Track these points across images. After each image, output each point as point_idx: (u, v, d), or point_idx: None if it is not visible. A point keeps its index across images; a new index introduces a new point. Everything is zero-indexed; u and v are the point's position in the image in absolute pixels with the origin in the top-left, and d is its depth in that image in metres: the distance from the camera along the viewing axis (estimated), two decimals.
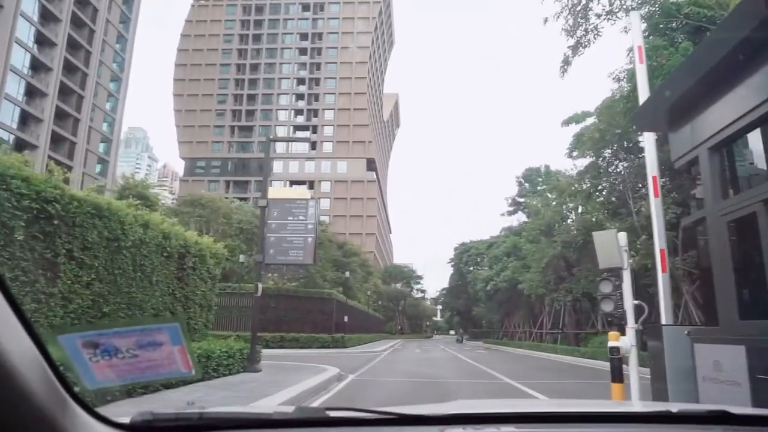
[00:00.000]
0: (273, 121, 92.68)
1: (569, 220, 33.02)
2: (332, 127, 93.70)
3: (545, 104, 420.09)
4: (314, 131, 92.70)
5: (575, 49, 18.39)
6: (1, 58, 44.97)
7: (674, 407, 1.46)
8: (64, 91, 53.51)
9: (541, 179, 47.82)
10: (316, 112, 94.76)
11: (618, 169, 25.00)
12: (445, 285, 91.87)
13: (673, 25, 18.11)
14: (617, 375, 5.59)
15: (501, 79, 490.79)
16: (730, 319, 3.70)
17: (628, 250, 5.79)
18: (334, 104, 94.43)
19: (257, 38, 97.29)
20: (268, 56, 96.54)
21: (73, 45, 54.45)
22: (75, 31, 54.68)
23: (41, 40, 50.78)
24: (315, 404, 5.41)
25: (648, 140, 6.40)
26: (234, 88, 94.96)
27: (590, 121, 26.34)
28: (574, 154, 28.30)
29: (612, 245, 5.68)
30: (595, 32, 18.09)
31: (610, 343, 5.63)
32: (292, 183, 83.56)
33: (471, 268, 64.53)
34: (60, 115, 52.93)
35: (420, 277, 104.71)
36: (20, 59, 48.06)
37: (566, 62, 18.76)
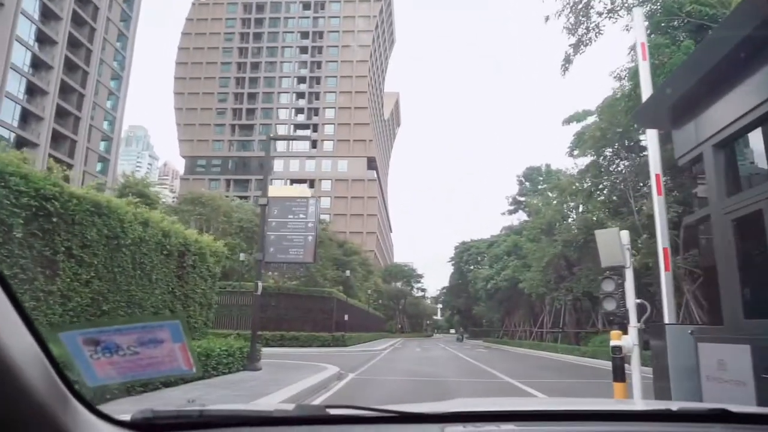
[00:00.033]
0: (274, 119, 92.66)
1: (570, 219, 32.98)
2: (333, 125, 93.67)
3: (546, 103, 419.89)
4: (315, 130, 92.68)
5: (576, 47, 18.33)
6: (1, 56, 44.96)
7: (675, 405, 1.45)
8: (65, 90, 53.50)
9: (541, 178, 47.75)
10: (316, 111, 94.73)
11: (619, 168, 24.97)
12: (446, 284, 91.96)
13: (675, 23, 18.06)
14: (619, 374, 5.56)
15: (501, 79, 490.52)
16: (735, 318, 3.67)
17: (630, 249, 5.76)
18: (334, 103, 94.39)
19: (258, 37, 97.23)
20: (269, 55, 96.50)
21: (73, 43, 54.42)
22: (76, 29, 54.65)
23: (42, 39, 50.76)
24: (315, 403, 5.38)
25: (651, 137, 6.36)
26: (235, 86, 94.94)
27: (591, 119, 26.29)
28: (575, 152, 28.26)
29: (614, 244, 5.64)
30: (597, 30, 18.04)
31: (613, 342, 5.59)
32: (293, 181, 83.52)
33: (471, 267, 64.54)
34: (61, 114, 52.93)
35: (420, 276, 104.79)
36: (21, 57, 48.05)
37: (567, 60, 18.71)
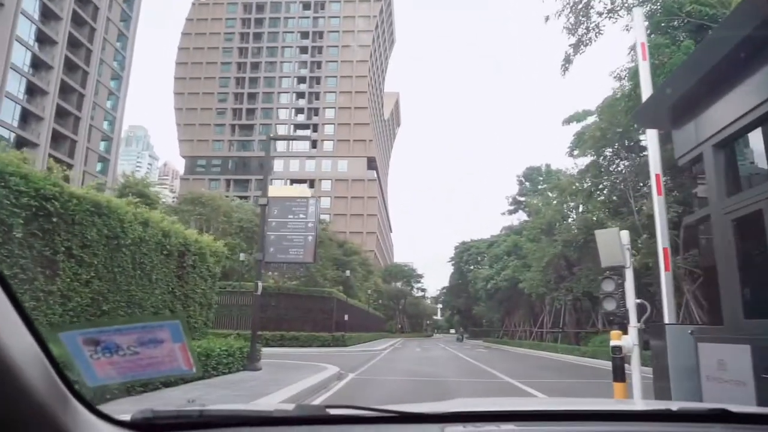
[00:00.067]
0: (274, 119, 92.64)
1: (570, 219, 32.98)
2: (333, 125, 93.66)
3: (546, 103, 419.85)
4: (315, 130, 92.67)
5: (576, 47, 18.33)
6: (2, 56, 44.95)
7: (674, 405, 1.45)
8: (65, 90, 53.49)
9: (541, 178, 47.74)
10: (316, 111, 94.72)
11: (619, 168, 24.96)
12: (446, 284, 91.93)
13: (675, 23, 18.05)
14: (619, 374, 5.56)
15: (501, 79, 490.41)
16: (735, 318, 3.67)
17: (630, 249, 5.76)
18: (334, 103, 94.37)
19: (258, 37, 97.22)
20: (269, 55, 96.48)
21: (73, 43, 54.41)
22: (76, 29, 54.64)
23: (42, 39, 50.75)
24: (315, 403, 5.37)
25: (651, 137, 6.36)
26: (235, 86, 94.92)
27: (591, 119, 26.28)
28: (575, 152, 28.25)
29: (614, 243, 5.64)
30: (597, 30, 18.04)
31: (613, 342, 5.59)
32: (293, 181, 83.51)
33: (471, 267, 64.53)
34: (61, 114, 52.92)
35: (420, 276, 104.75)
36: (21, 57, 48.04)
37: (567, 60, 18.71)
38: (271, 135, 20.90)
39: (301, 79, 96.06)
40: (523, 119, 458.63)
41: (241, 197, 63.68)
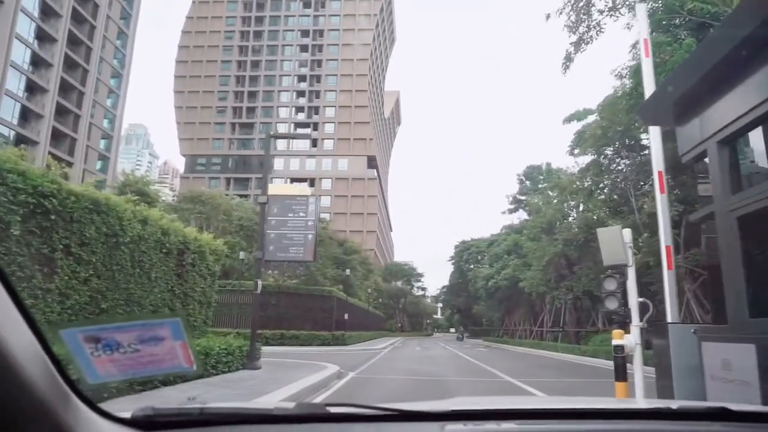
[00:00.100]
0: (274, 118, 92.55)
1: (570, 218, 32.94)
2: (333, 124, 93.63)
3: (546, 102, 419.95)
4: (315, 128, 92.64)
5: (577, 45, 18.27)
6: (1, 54, 44.90)
7: (675, 404, 1.46)
8: (65, 88, 53.45)
9: (542, 177, 47.69)
10: (317, 110, 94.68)
11: (620, 167, 24.91)
12: (446, 283, 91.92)
13: (677, 21, 17.99)
14: (621, 374, 5.52)
15: (501, 79, 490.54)
16: (740, 316, 3.62)
17: (632, 247, 5.71)
18: (335, 101, 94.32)
19: (258, 35, 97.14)
20: (269, 53, 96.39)
21: (73, 41, 54.35)
22: (76, 27, 54.57)
23: (42, 36, 50.69)
24: (315, 402, 5.34)
25: (654, 134, 6.31)
26: (235, 85, 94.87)
27: (592, 118, 26.23)
28: (576, 151, 28.20)
29: (617, 242, 5.60)
30: (598, 29, 17.97)
31: (615, 342, 5.55)
32: (293, 180, 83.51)
33: (471, 266, 64.52)
34: (60, 112, 52.87)
35: (420, 275, 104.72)
36: (21, 55, 48.00)
37: (568, 59, 18.64)
38: (271, 133, 20.85)
39: (302, 78, 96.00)
40: (524, 118, 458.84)
41: (241, 196, 63.65)
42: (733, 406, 1.36)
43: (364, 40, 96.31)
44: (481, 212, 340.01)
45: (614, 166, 25.34)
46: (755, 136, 3.91)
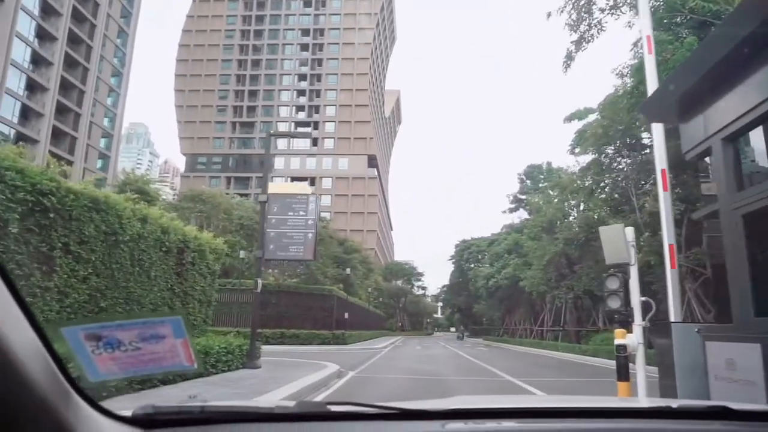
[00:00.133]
0: (274, 117, 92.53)
1: (571, 217, 32.89)
2: (334, 123, 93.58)
3: (547, 102, 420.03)
4: (316, 127, 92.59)
5: (578, 44, 18.22)
6: (1, 53, 44.86)
7: (675, 403, 1.46)
8: (65, 86, 53.40)
9: (542, 176, 47.67)
10: (317, 108, 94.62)
11: (621, 166, 24.86)
12: (446, 282, 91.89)
13: (678, 19, 17.92)
14: (624, 373, 5.47)
15: (501, 78, 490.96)
16: (745, 315, 3.58)
17: (635, 246, 5.67)
18: (335, 100, 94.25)
19: (259, 34, 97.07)
20: (270, 52, 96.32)
21: (74, 39, 54.29)
22: (76, 25, 54.51)
23: (42, 35, 50.63)
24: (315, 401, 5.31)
25: (657, 132, 6.26)
26: (235, 83, 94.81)
27: (593, 117, 26.18)
28: (577, 150, 28.14)
29: (619, 240, 5.55)
30: (599, 27, 17.92)
31: (617, 341, 5.50)
32: (294, 179, 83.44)
33: (472, 265, 64.48)
34: (61, 110, 52.82)
35: (421, 274, 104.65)
36: (21, 53, 47.94)
37: (569, 58, 18.59)
38: (272, 132, 20.81)
39: (302, 77, 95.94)
40: (524, 118, 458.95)
41: (241, 195, 63.60)
42: (734, 405, 1.35)
43: (365, 39, 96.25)
44: (482, 211, 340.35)
45: (615, 165, 25.29)
46: (758, 135, 3.87)
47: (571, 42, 18.31)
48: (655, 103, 4.99)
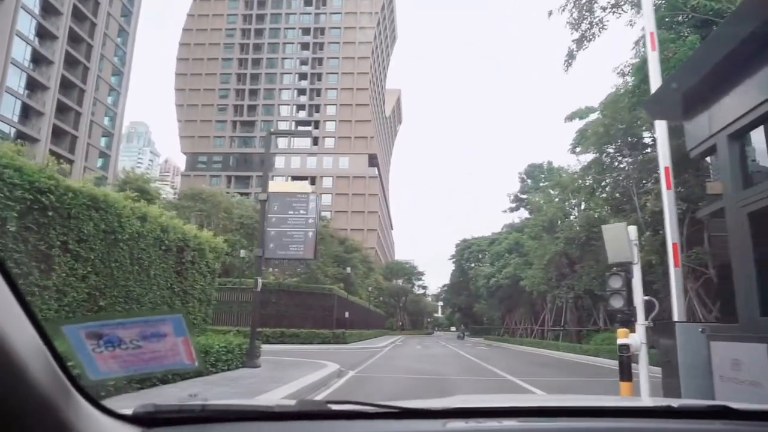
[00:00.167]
0: (275, 116, 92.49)
1: (572, 217, 32.84)
2: (334, 122, 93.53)
3: (548, 101, 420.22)
4: (316, 126, 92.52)
5: (580, 42, 18.17)
6: (2, 51, 44.82)
7: (676, 402, 1.46)
8: (66, 85, 53.35)
9: (543, 175, 47.61)
10: (318, 108, 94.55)
11: (622, 165, 24.80)
12: (447, 281, 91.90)
13: (680, 18, 17.86)
14: (626, 373, 5.42)
15: (501, 78, 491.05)
16: (750, 315, 3.53)
17: (638, 245, 5.62)
18: (336, 99, 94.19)
19: (259, 33, 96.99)
20: (270, 51, 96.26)
21: (74, 38, 54.25)
22: (76, 24, 54.46)
23: (42, 33, 50.59)
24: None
25: (660, 129, 6.21)
26: (236, 82, 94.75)
27: (594, 116, 26.13)
28: (578, 149, 28.11)
29: (622, 239, 5.50)
30: (600, 26, 17.87)
31: (620, 341, 5.45)
32: (294, 178, 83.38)
33: (472, 265, 64.45)
34: (61, 109, 52.79)
35: (421, 274, 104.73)
36: (21, 52, 47.90)
37: (570, 56, 18.55)
38: (272, 131, 20.79)
39: (303, 76, 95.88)
40: (525, 117, 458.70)
41: (242, 194, 63.60)
42: (735, 405, 1.35)
43: (366, 38, 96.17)
44: (482, 211, 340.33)
45: (616, 164, 25.24)
46: (758, 133, 3.82)
47: (573, 41, 18.28)
48: (658, 101, 4.94)
